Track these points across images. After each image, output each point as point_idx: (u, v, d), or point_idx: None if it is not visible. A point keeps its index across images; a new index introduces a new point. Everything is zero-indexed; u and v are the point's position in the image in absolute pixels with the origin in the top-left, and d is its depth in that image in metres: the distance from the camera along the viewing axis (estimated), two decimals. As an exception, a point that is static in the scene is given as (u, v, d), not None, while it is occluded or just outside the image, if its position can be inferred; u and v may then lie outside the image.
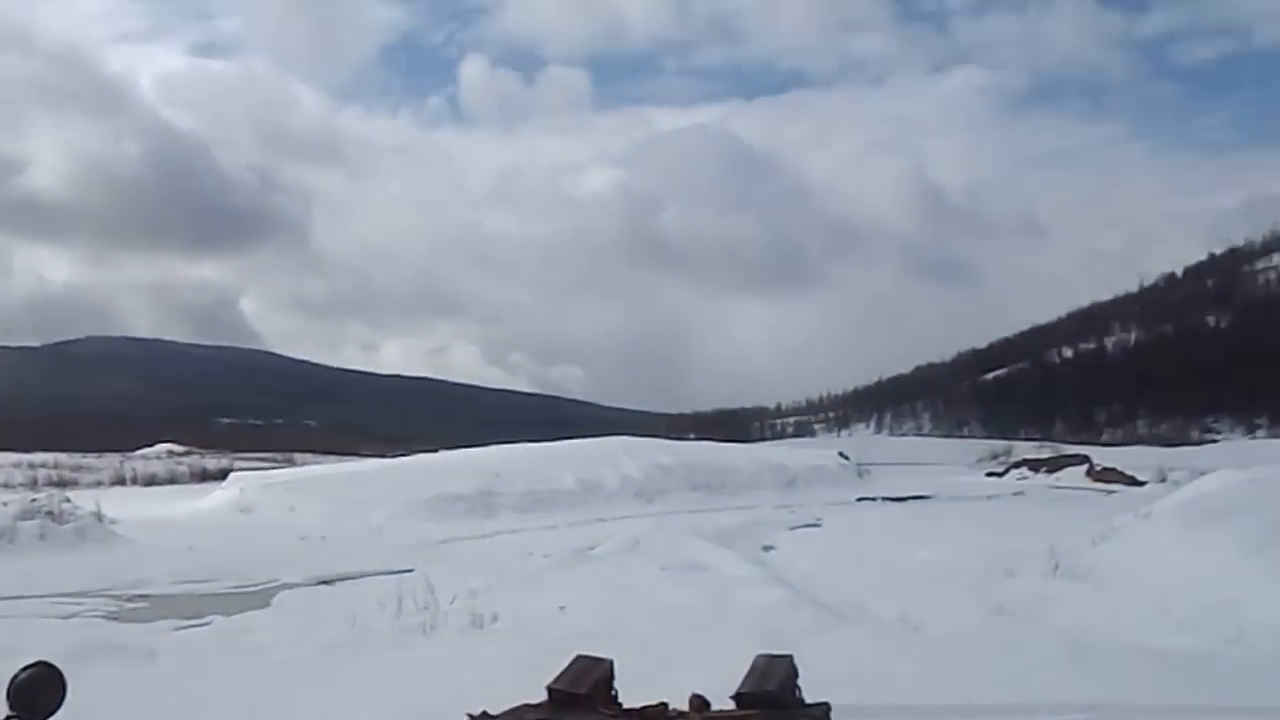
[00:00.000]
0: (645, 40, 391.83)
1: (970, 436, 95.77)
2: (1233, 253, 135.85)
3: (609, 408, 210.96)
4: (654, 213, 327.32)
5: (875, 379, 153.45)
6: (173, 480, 52.39)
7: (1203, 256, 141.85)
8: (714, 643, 9.28)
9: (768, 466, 38.50)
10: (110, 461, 61.71)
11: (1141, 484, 37.88)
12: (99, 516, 22.41)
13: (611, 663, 4.70)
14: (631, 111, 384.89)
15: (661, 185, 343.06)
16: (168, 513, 29.72)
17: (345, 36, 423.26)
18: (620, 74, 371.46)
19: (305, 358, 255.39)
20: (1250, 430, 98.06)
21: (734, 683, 4.46)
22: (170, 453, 73.71)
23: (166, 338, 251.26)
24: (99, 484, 46.25)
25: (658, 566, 12.31)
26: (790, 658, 4.71)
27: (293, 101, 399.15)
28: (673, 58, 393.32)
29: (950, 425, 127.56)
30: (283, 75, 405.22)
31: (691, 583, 11.68)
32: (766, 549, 17.43)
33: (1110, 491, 36.31)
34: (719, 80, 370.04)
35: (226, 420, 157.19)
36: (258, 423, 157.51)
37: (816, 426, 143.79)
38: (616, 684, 4.62)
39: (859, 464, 45.44)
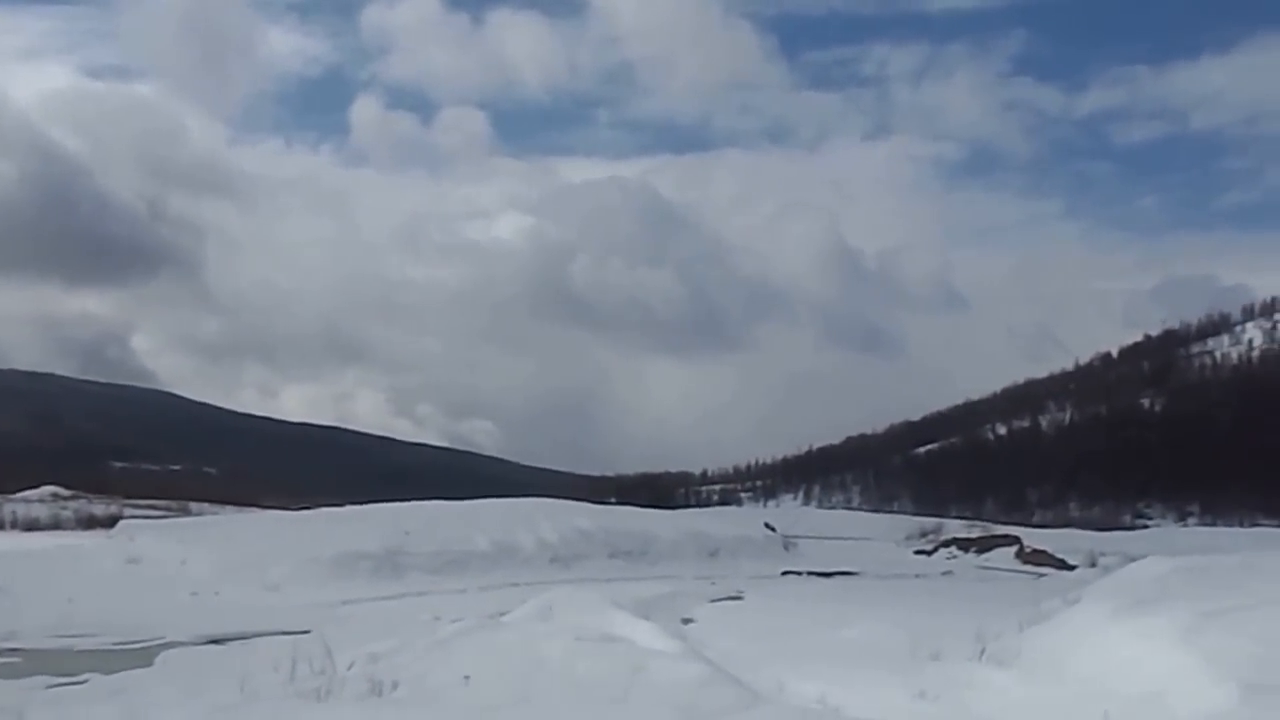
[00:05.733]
0: (554, 90, 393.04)
1: (900, 512, 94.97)
2: (1168, 335, 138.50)
3: (524, 466, 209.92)
4: (569, 265, 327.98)
5: (805, 449, 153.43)
6: (56, 526, 50.28)
7: (1125, 336, 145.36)
8: (625, 718, 9.05)
9: (690, 535, 37.99)
10: (-13, 503, 59.01)
11: (1071, 568, 38.02)
12: (-34, 563, 21.28)
13: None
14: (544, 161, 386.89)
15: (578, 236, 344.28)
16: (47, 560, 28.44)
17: (239, 67, 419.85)
18: (534, 122, 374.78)
19: (205, 400, 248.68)
20: (1182, 517, 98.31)
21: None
22: (55, 496, 70.99)
23: (57, 372, 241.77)
24: (-28, 528, 44.18)
25: (571, 636, 11.82)
26: None
27: (183, 130, 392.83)
28: (603, 109, 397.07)
29: (880, 499, 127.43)
30: (174, 102, 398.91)
31: (606, 655, 11.23)
32: (686, 622, 17.04)
33: (1040, 574, 36.34)
34: (642, 134, 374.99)
35: (120, 464, 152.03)
36: (153, 468, 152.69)
37: (743, 495, 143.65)
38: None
39: (785, 536, 45.11)
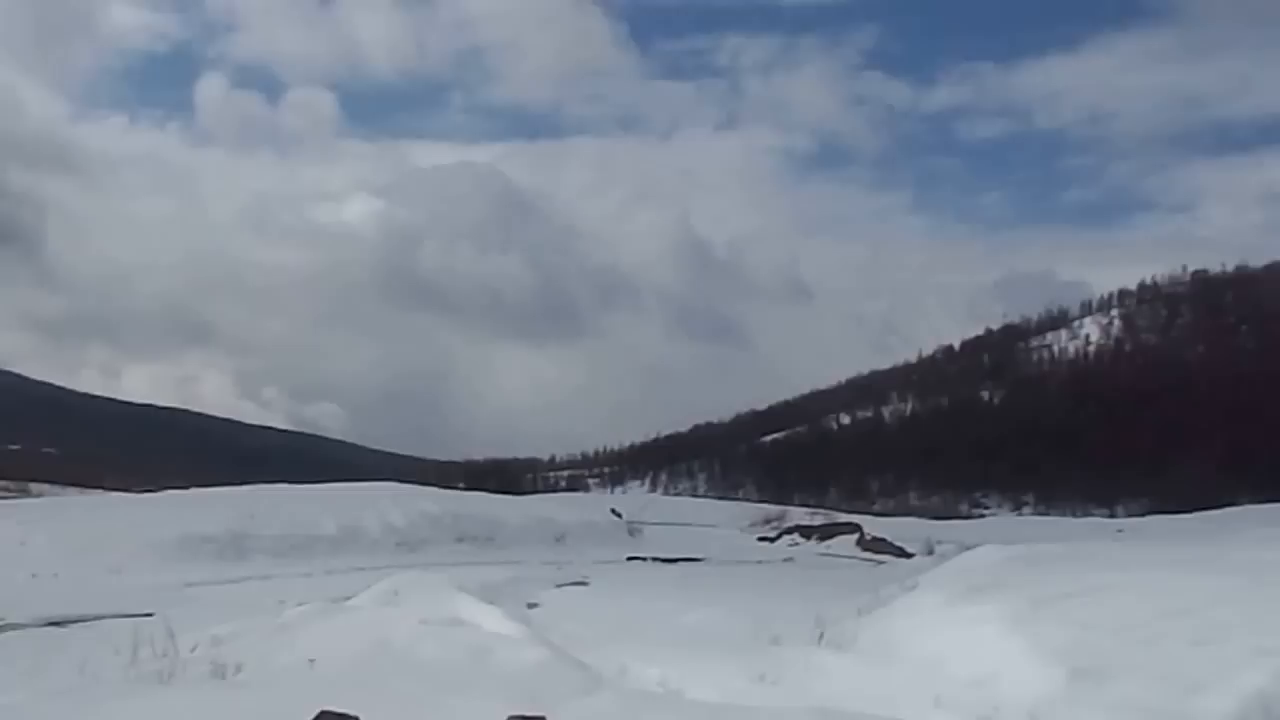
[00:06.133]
0: (405, 73, 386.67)
1: (745, 499, 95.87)
2: (1008, 329, 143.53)
3: (371, 450, 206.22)
4: (418, 249, 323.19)
5: (652, 436, 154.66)
6: (-111, 507, 47.38)
7: (967, 329, 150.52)
8: (468, 702, 9.01)
9: (537, 521, 37.90)
10: None
11: (909, 555, 38.58)
12: None
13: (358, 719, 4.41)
14: (393, 144, 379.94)
15: (427, 221, 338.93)
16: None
17: (81, 41, 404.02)
18: (383, 105, 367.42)
19: (46, 379, 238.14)
20: (1017, 507, 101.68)
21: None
22: (-111, 476, 67.19)
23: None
24: None
25: (416, 620, 11.87)
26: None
27: (21, 104, 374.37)
28: (455, 93, 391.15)
29: (726, 487, 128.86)
30: (11, 74, 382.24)
31: (450, 638, 11.31)
32: (531, 606, 17.15)
33: (879, 562, 37.00)
34: (494, 119, 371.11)
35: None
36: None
37: (590, 481, 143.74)
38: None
39: (631, 522, 45.12)
